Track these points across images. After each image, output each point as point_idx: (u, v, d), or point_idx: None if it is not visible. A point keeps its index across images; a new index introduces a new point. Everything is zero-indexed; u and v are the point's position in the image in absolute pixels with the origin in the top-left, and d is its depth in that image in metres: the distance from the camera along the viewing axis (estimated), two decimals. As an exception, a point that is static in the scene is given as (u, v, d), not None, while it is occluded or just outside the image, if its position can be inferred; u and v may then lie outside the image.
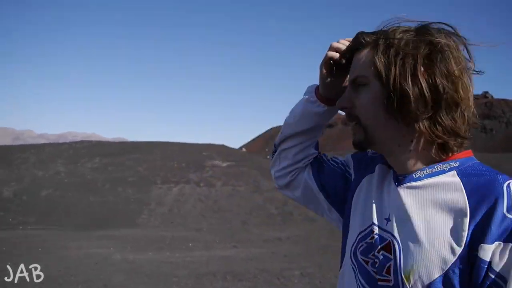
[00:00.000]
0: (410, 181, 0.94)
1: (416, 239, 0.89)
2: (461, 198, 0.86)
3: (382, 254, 0.93)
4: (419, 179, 0.92)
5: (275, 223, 13.88)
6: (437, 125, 0.90)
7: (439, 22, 0.95)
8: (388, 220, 0.95)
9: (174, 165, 20.05)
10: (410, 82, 0.88)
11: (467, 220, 0.84)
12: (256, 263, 8.70)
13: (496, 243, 0.80)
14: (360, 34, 0.99)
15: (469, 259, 0.82)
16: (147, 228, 12.97)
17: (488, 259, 0.80)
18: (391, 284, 0.91)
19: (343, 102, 1.00)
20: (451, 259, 0.83)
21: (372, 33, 0.98)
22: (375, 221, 0.98)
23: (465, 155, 0.94)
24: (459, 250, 0.83)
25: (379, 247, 0.94)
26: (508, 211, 0.81)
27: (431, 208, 0.89)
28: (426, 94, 0.88)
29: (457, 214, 0.85)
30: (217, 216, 14.45)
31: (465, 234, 0.83)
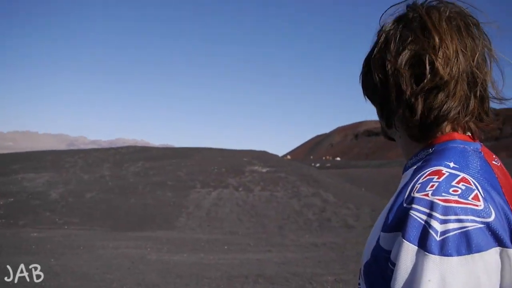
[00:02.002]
0: (404, 171, 0.91)
1: (374, 227, 0.87)
2: (402, 184, 0.81)
3: None
4: (407, 167, 0.89)
5: (312, 229, 13.71)
6: (406, 112, 0.83)
7: None
8: None
9: (214, 170, 20.27)
10: (368, 76, 0.89)
11: (389, 206, 0.79)
12: (289, 267, 8.61)
13: (392, 233, 0.75)
14: None
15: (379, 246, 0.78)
16: (184, 231, 13.15)
17: (386, 248, 0.76)
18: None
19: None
20: (373, 244, 0.80)
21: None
22: None
23: (445, 139, 0.85)
24: (376, 238, 0.79)
25: None
26: (406, 200, 0.74)
27: (392, 197, 0.84)
28: (377, 84, 0.85)
29: (390, 201, 0.81)
30: (253, 220, 14.46)
31: (382, 220, 0.79)
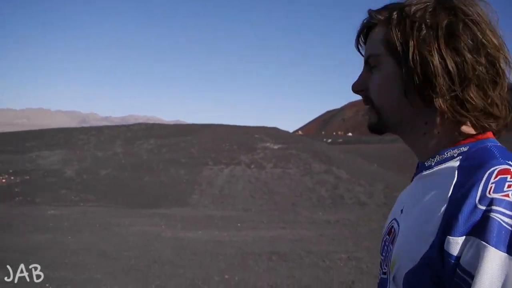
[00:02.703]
0: (422, 170, 0.88)
1: (406, 229, 0.84)
2: (449, 184, 0.77)
3: (389, 246, 0.90)
4: (430, 167, 0.86)
5: (325, 206, 13.76)
6: (465, 103, 0.80)
7: None
8: (401, 212, 0.91)
9: (226, 147, 20.33)
10: (435, 55, 0.80)
11: (443, 207, 0.75)
12: (303, 245, 8.69)
13: (464, 237, 0.70)
14: (371, 11, 0.91)
15: (440, 251, 0.73)
16: (198, 208, 13.29)
17: (454, 254, 0.71)
18: (386, 276, 0.89)
19: (357, 85, 0.94)
20: (424, 249, 0.75)
21: (385, 7, 0.90)
22: (394, 215, 0.94)
23: (479, 138, 0.83)
24: (431, 240, 0.75)
25: (390, 239, 0.91)
26: (480, 200, 0.70)
27: (428, 196, 0.81)
28: (452, 71, 0.79)
29: (440, 201, 0.77)
30: (266, 197, 14.54)
31: (438, 222, 0.74)
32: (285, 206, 13.63)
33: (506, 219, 0.68)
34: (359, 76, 0.94)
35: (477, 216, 0.70)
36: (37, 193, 14.53)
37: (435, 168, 0.84)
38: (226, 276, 6.64)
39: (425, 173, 0.87)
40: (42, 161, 18.93)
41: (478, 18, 0.81)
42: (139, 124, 28.62)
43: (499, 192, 0.69)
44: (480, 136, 0.83)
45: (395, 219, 0.93)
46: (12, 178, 16.30)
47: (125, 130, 26.41)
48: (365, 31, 0.93)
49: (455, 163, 0.81)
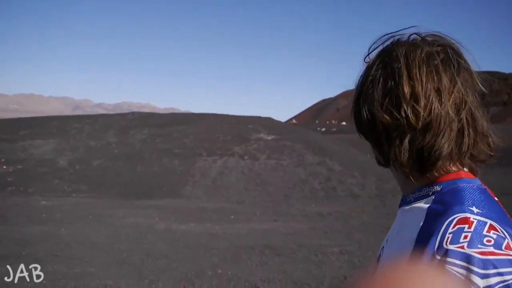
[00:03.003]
0: (403, 205, 0.92)
1: (384, 260, 0.90)
2: (415, 229, 0.80)
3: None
4: (410, 203, 0.89)
5: (318, 198, 13.85)
6: (395, 154, 0.85)
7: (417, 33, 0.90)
8: (386, 241, 0.97)
9: (220, 137, 20.33)
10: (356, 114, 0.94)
11: (409, 251, 0.78)
12: (295, 238, 8.76)
13: None
14: None
15: None
16: (191, 199, 13.33)
17: None
18: None
19: None
20: None
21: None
22: (383, 243, 1.00)
23: (453, 177, 0.85)
24: None
25: (376, 266, 0.97)
26: (437, 250, 0.73)
27: (402, 233, 0.86)
28: (367, 125, 0.89)
29: (409, 242, 0.80)
30: (259, 189, 14.60)
31: None
32: (278, 198, 13.70)
33: (460, 270, 0.70)
34: None
35: (433, 264, 0.72)
36: (30, 183, 14.49)
37: (413, 205, 0.88)
38: (219, 271, 6.70)
39: (406, 207, 0.90)
40: (34, 150, 18.84)
41: (396, 65, 0.85)
42: (133, 113, 28.49)
43: (455, 244, 0.72)
44: (454, 175, 0.86)
45: (383, 247, 0.99)
46: (4, 167, 16.23)
47: (119, 119, 26.30)
48: None
49: (426, 204, 0.84)
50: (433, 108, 0.81)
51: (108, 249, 7.74)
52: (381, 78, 0.85)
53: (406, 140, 0.83)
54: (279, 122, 29.42)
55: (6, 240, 8.03)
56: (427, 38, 0.87)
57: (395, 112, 0.82)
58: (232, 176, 15.73)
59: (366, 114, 0.87)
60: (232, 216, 10.88)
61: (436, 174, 0.86)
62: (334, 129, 51.17)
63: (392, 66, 0.85)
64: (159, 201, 12.67)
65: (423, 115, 0.81)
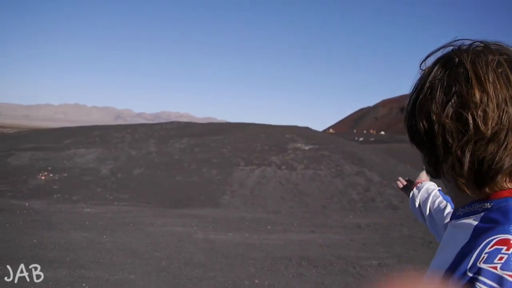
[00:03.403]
0: (453, 219, 0.92)
1: (429, 271, 0.88)
2: (460, 244, 0.80)
3: None
4: (458, 217, 0.89)
5: (356, 209, 13.65)
6: (454, 164, 0.83)
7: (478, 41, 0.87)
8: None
9: (257, 147, 20.41)
10: (408, 122, 0.91)
11: (447, 266, 0.78)
12: (333, 250, 8.67)
13: None
14: None
15: None
16: (229, 209, 13.42)
17: None
18: None
19: None
20: None
21: None
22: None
23: (505, 195, 0.83)
24: None
25: None
26: (470, 268, 0.73)
27: (446, 248, 0.86)
28: (422, 133, 0.86)
29: (448, 259, 0.80)
30: (296, 199, 14.54)
31: (439, 280, 0.78)
32: (316, 208, 13.60)
33: None
34: None
35: (464, 282, 0.72)
36: (74, 191, 15.01)
37: (462, 220, 0.87)
38: (256, 281, 6.72)
39: (455, 222, 0.90)
40: (78, 159, 19.52)
41: (461, 73, 0.82)
42: (172, 123, 29.05)
43: (489, 263, 0.72)
44: (506, 193, 0.83)
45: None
46: (51, 175, 16.90)
47: (159, 128, 26.88)
48: None
49: (475, 221, 0.83)
50: (503, 116, 0.78)
51: (148, 257, 7.91)
52: (444, 83, 0.82)
53: (469, 149, 0.80)
54: (317, 131, 29.26)
55: (52, 245, 8.35)
56: (491, 46, 0.84)
57: (464, 116, 0.80)
58: (269, 186, 15.75)
59: (424, 120, 0.84)
60: (269, 227, 10.88)
61: (489, 190, 0.84)
62: (373, 139, 50.27)
63: (457, 71, 0.82)
64: (197, 210, 12.83)
65: (492, 122, 0.78)
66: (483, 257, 0.73)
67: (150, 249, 8.42)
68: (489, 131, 0.78)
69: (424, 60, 0.89)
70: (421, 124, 0.84)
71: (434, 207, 1.51)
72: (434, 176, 0.90)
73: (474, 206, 0.86)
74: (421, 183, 1.62)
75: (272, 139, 22.03)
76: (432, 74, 0.85)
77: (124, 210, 12.70)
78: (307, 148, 20.29)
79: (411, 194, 1.65)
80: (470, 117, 0.79)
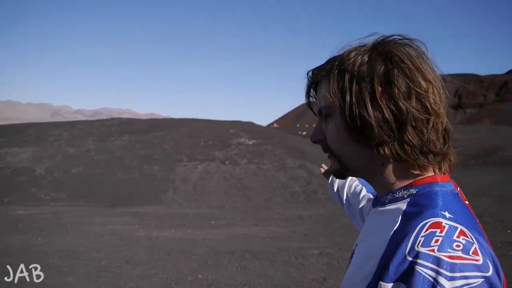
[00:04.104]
0: (377, 205, 0.94)
1: (353, 263, 0.92)
2: (390, 228, 0.83)
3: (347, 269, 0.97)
4: (383, 204, 0.92)
5: (298, 202, 13.94)
6: (404, 145, 0.86)
7: (396, 35, 0.91)
8: (359, 239, 0.99)
9: (200, 142, 20.29)
10: (369, 109, 0.85)
11: (382, 252, 0.81)
12: (275, 242, 8.81)
13: (392, 283, 0.77)
14: (312, 71, 0.97)
15: None
16: (171, 206, 13.28)
17: None
18: None
19: (315, 135, 0.99)
20: (363, 287, 0.83)
21: (328, 61, 0.95)
22: (357, 240, 1.01)
23: (429, 181, 0.88)
24: (369, 279, 0.82)
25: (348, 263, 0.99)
26: (409, 252, 0.76)
27: (375, 234, 0.88)
28: (389, 118, 0.84)
29: (380, 244, 0.83)
30: (240, 194, 14.63)
31: (375, 266, 0.81)
32: (259, 202, 13.74)
33: (429, 272, 0.74)
34: (316, 127, 0.99)
35: (405, 266, 0.76)
36: (6, 192, 14.23)
37: (387, 207, 0.91)
38: (199, 276, 6.70)
39: (379, 208, 0.93)
40: (11, 159, 18.51)
41: (409, 63, 0.86)
42: (113, 119, 28.22)
43: (426, 247, 0.76)
44: (430, 179, 0.89)
45: (356, 244, 1.01)
46: (-20, 176, 15.91)
47: (99, 125, 26.02)
48: (313, 86, 0.99)
49: (402, 205, 0.87)
50: (438, 98, 0.86)
51: (87, 258, 7.66)
52: (382, 69, 0.86)
53: (420, 131, 0.85)
54: (260, 126, 29.53)
55: (-18, 250, 7.89)
56: (405, 39, 0.90)
57: (392, 104, 0.84)
58: (213, 181, 15.72)
59: (354, 108, 0.86)
60: (212, 222, 10.88)
61: (418, 174, 0.89)
62: (315, 133, 51.34)
63: (392, 60, 0.86)
64: (139, 208, 12.58)
65: (433, 107, 0.85)
66: (420, 240, 0.76)
67: (89, 250, 8.16)
68: (441, 111, 0.86)
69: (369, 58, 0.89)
70: (386, 110, 0.85)
71: (351, 191, 1.57)
72: (369, 148, 0.89)
73: (399, 192, 0.89)
74: None
75: (216, 134, 21.97)
76: (378, 64, 0.87)
77: (61, 210, 12.21)
78: (250, 143, 20.43)
79: (330, 180, 1.68)
80: (427, 102, 0.85)
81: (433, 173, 0.90)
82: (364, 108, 0.85)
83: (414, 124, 0.85)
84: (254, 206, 13.18)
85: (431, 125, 0.86)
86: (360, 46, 0.92)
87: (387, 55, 0.87)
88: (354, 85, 0.87)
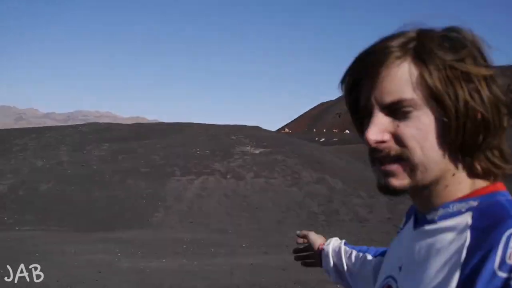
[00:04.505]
0: (423, 224, 0.92)
1: None
2: (461, 245, 0.83)
3: None
4: (432, 221, 0.90)
5: (317, 224, 13.91)
6: (504, 154, 0.87)
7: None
8: (400, 269, 0.96)
9: (196, 152, 20.35)
10: (479, 103, 0.84)
11: (458, 272, 0.80)
12: (290, 274, 8.79)
13: None
14: (385, 41, 0.90)
15: None
16: (162, 229, 13.29)
17: None
18: None
19: (378, 135, 0.90)
20: None
21: (404, 34, 0.90)
22: (390, 272, 1.00)
23: (490, 190, 0.88)
24: None
25: None
26: (500, 267, 0.75)
27: (435, 258, 0.87)
28: (490, 117, 0.84)
29: (452, 265, 0.82)
30: (246, 215, 14.62)
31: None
32: (269, 225, 13.72)
33: None
34: (376, 123, 0.90)
35: (497, 284, 0.75)
36: (-39, 214, 14.31)
37: (439, 224, 0.89)
38: (197, 317, 6.67)
39: (427, 227, 0.91)
40: (-33, 173, 18.64)
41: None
42: (90, 124, 28.43)
43: None
44: (491, 188, 0.88)
45: (391, 276, 0.98)
46: None
47: (72, 132, 26.20)
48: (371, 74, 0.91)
49: (465, 219, 0.85)
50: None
51: (58, 295, 7.66)
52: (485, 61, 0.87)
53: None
54: (269, 132, 29.58)
55: None
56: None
57: (495, 103, 0.85)
58: (212, 200, 15.73)
59: (466, 105, 0.85)
60: (212, 249, 10.87)
61: (467, 188, 0.88)
62: (336, 139, 51.57)
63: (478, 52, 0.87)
64: (122, 233, 12.60)
65: (506, 109, 0.86)
66: (510, 252, 0.76)
67: (63, 284, 8.15)
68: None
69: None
70: (494, 107, 0.85)
71: (352, 261, 1.57)
72: (464, 155, 0.89)
73: (453, 206, 0.88)
74: (326, 243, 1.65)
75: (214, 142, 22.03)
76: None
77: (28, 236, 12.24)
78: (257, 152, 20.46)
79: (324, 253, 1.67)
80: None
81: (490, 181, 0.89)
82: (474, 103, 0.84)
83: (501, 128, 0.87)
84: (263, 229, 13.17)
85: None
86: (433, 31, 0.90)
87: (479, 47, 0.88)
88: (464, 80, 0.86)
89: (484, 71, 0.85)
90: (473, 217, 0.85)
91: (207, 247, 11.07)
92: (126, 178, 17.56)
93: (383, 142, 0.90)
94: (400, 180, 0.90)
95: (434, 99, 0.86)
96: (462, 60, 0.85)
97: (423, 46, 0.87)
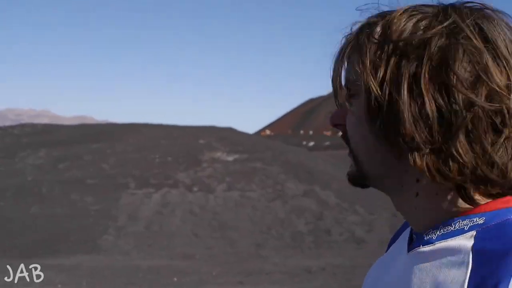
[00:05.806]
0: (419, 245, 0.92)
1: None
2: (462, 273, 0.82)
3: None
4: (430, 242, 0.90)
5: (304, 247, 13.96)
6: (449, 161, 0.84)
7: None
8: None
9: (156, 159, 20.28)
10: (403, 94, 0.84)
11: None
12: (271, 308, 8.81)
13: None
14: (347, 36, 0.95)
15: None
16: (113, 254, 13.21)
17: None
18: None
19: (336, 118, 0.98)
20: None
21: (370, 23, 0.92)
22: None
23: (499, 206, 0.87)
24: None
25: None
26: None
27: (426, 284, 0.87)
28: (431, 115, 0.83)
29: None
30: (217, 235, 14.61)
31: None
32: (246, 248, 13.72)
33: None
34: (339, 107, 0.98)
35: None
36: None
37: (437, 244, 0.88)
38: None
39: (423, 249, 0.90)
40: None
41: (496, 42, 0.84)
42: (23, 126, 28.15)
43: None
44: (500, 203, 0.88)
45: None
46: None
47: (2, 134, 25.95)
48: (345, 54, 0.94)
49: (468, 241, 0.85)
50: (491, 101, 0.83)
51: None
52: (438, 43, 0.85)
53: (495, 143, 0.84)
54: (245, 134, 29.62)
55: None
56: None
57: (442, 96, 0.83)
58: (176, 218, 15.69)
59: (385, 89, 0.85)
60: (175, 279, 10.84)
61: (470, 201, 0.87)
62: (328, 143, 51.85)
63: (462, 33, 0.85)
64: (65, 259, 12.50)
65: (476, 106, 0.83)
66: None
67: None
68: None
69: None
70: (428, 103, 0.83)
71: None
72: (394, 152, 0.88)
73: (454, 224, 0.88)
74: None
75: (179, 146, 21.99)
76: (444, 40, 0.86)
77: None
78: (230, 158, 20.47)
79: None
80: (502, 105, 0.83)
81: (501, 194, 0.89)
82: (397, 91, 0.84)
83: (472, 133, 0.83)
84: (239, 253, 13.17)
85: (502, 139, 0.84)
86: (422, 5, 0.91)
87: (454, 25, 0.86)
88: (393, 59, 0.86)
89: (431, 44, 0.86)
90: (477, 238, 0.85)
91: (169, 276, 11.05)
92: (70, 192, 17.44)
93: (339, 125, 0.98)
94: (351, 167, 0.97)
95: (363, 81, 0.88)
96: (410, 32, 0.87)
97: (377, 31, 0.90)
